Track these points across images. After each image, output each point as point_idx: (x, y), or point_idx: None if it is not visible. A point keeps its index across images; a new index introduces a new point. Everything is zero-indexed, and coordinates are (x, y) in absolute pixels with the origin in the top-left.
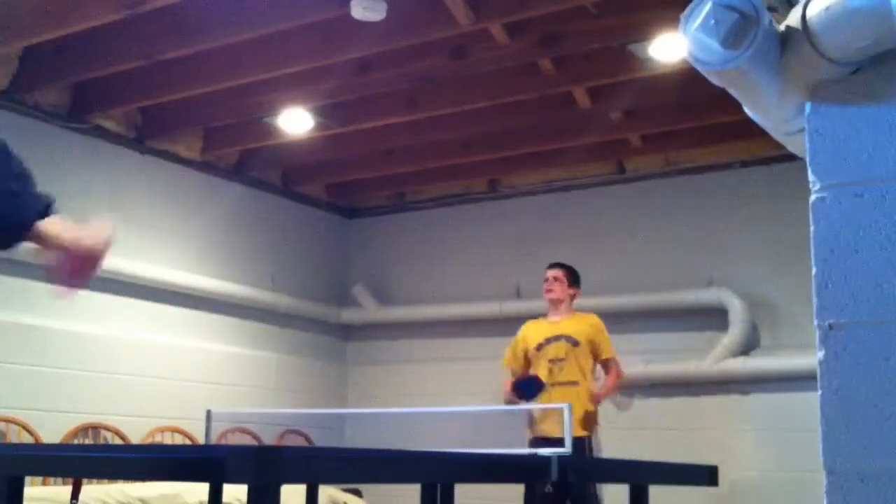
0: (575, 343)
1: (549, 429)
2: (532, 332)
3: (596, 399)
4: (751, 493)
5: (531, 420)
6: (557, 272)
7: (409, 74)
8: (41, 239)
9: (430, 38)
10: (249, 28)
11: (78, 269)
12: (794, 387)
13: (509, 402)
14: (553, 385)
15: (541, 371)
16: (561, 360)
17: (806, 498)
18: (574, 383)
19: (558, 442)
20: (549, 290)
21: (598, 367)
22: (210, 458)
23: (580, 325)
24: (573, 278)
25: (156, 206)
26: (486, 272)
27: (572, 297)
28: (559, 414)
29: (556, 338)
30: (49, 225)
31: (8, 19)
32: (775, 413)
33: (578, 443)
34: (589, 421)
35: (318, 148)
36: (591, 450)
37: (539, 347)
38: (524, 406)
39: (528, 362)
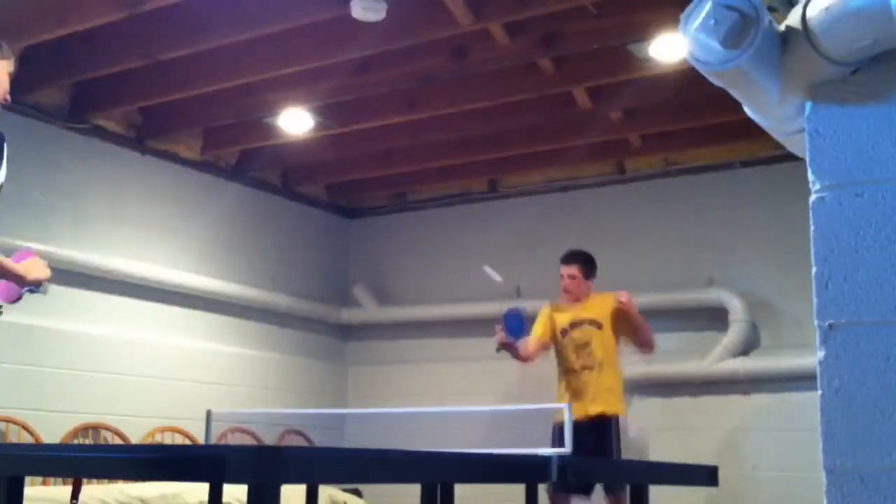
0: (599, 326)
1: (576, 411)
2: (556, 316)
3: (626, 299)
4: (751, 493)
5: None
6: (572, 269)
7: (409, 74)
8: None
9: (430, 38)
10: (249, 28)
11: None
12: (794, 387)
13: (501, 346)
14: (582, 369)
15: (569, 356)
16: (587, 344)
17: (806, 498)
18: (601, 365)
19: (585, 424)
20: (567, 291)
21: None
22: (210, 458)
23: (601, 305)
24: (588, 271)
25: (156, 206)
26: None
27: (589, 287)
28: (588, 396)
29: (579, 323)
30: None
31: (8, 19)
32: (775, 413)
33: (605, 422)
34: (616, 399)
35: (318, 148)
36: (617, 432)
37: (564, 333)
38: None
39: (556, 343)
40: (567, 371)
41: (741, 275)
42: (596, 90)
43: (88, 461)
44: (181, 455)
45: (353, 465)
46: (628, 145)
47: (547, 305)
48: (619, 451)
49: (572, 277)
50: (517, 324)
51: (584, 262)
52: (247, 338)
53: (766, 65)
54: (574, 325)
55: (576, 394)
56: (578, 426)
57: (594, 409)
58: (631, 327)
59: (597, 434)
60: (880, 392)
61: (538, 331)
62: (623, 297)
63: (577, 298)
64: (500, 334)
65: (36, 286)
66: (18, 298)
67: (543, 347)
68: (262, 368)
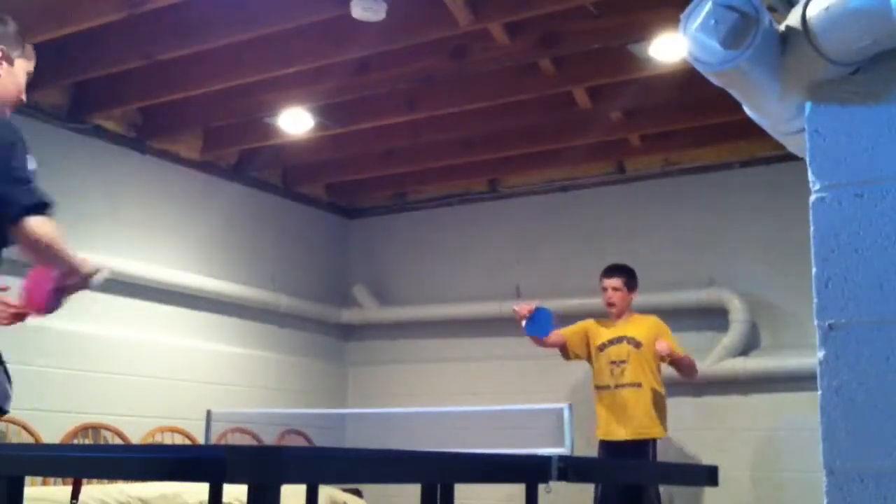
0: (637, 345)
1: (612, 430)
2: (597, 330)
3: (667, 350)
4: (751, 493)
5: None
6: (616, 281)
7: (409, 74)
8: (26, 236)
9: (430, 38)
10: (249, 28)
11: (53, 288)
12: (794, 387)
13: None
14: (616, 387)
15: (603, 372)
16: (623, 361)
17: (806, 498)
18: (637, 385)
19: (622, 445)
20: (611, 304)
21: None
22: (210, 458)
23: (641, 326)
24: (631, 283)
25: (156, 206)
26: (486, 272)
27: (631, 301)
28: (623, 416)
29: (618, 339)
30: (37, 225)
31: None
32: (775, 413)
33: (640, 447)
34: (651, 421)
35: (318, 148)
36: (654, 456)
37: (602, 348)
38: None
39: (589, 353)
40: (600, 388)
41: (741, 275)
42: (596, 90)
43: (88, 461)
44: (181, 455)
45: (353, 465)
46: (628, 145)
47: (591, 319)
48: None
49: (616, 289)
50: (544, 320)
51: (628, 275)
52: (247, 338)
53: (765, 65)
54: (613, 340)
55: (609, 412)
56: (611, 446)
57: (627, 431)
58: (675, 364)
59: (633, 459)
60: (880, 392)
61: (567, 329)
62: (663, 349)
63: (620, 311)
64: (522, 313)
65: (87, 278)
66: (55, 305)
67: (560, 342)
68: (262, 368)
